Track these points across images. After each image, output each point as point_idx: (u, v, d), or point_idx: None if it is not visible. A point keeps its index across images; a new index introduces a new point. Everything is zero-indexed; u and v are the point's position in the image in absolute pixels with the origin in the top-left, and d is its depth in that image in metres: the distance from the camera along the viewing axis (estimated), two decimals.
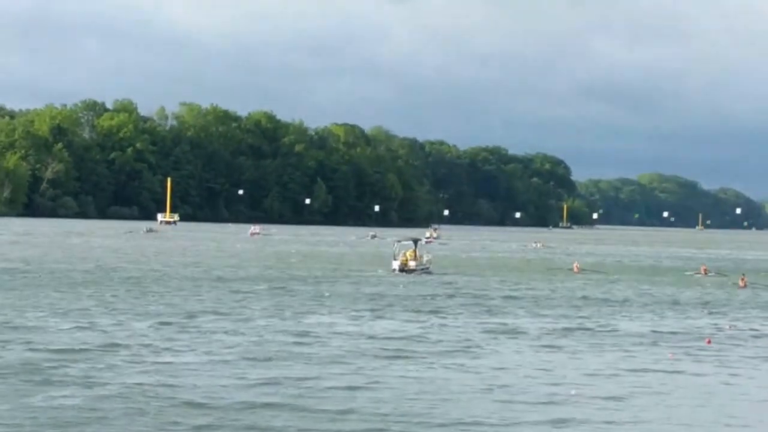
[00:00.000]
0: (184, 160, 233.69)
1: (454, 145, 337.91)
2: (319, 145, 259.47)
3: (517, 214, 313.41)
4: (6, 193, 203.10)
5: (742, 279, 60.93)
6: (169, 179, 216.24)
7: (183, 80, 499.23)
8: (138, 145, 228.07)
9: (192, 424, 18.20)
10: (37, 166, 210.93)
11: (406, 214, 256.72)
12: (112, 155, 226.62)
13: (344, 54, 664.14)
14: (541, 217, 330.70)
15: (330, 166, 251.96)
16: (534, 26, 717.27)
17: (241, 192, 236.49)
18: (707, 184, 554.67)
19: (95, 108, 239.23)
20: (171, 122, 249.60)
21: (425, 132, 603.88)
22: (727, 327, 36.70)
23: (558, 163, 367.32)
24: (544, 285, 56.40)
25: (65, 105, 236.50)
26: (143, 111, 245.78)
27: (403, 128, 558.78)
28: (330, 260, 77.03)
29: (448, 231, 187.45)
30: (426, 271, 62.89)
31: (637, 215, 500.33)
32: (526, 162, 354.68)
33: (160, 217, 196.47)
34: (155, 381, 21.81)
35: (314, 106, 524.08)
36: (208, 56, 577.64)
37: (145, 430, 17.76)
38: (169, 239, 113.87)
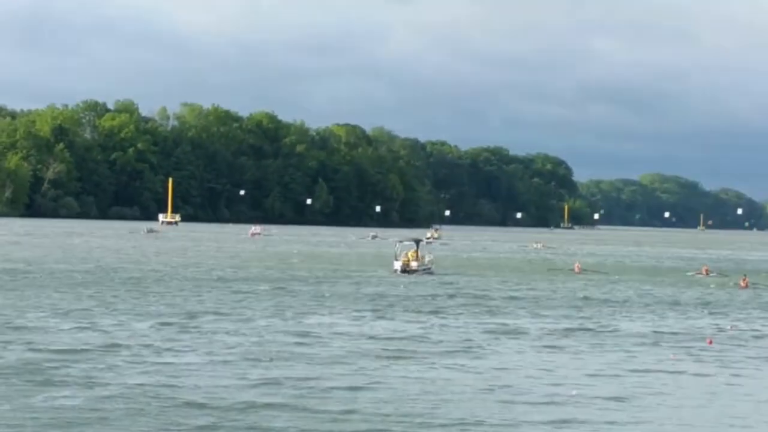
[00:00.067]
0: (185, 160, 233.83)
1: (456, 146, 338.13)
2: (321, 146, 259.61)
3: (519, 215, 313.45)
4: (7, 194, 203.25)
5: (744, 279, 60.91)
6: (170, 179, 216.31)
7: (184, 80, 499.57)
8: (139, 145, 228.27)
9: (193, 425, 18.19)
10: (39, 166, 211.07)
11: (407, 215, 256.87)
12: (114, 155, 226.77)
13: (346, 54, 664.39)
14: (543, 217, 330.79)
15: (331, 167, 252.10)
16: (535, 26, 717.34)
17: (242, 192, 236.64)
18: (708, 185, 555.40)
19: (96, 108, 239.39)
20: (172, 122, 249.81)
21: (426, 132, 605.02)
22: (729, 327, 36.68)
23: (559, 163, 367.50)
24: (546, 285, 56.38)
25: (66, 105, 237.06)
26: (144, 111, 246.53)
27: (404, 129, 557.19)
28: (331, 261, 77.01)
29: (449, 231, 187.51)
30: (428, 271, 62.86)
31: (638, 216, 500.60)
32: (527, 162, 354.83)
33: (161, 217, 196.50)
34: (156, 381, 21.80)
35: (315, 107, 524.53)
36: (209, 56, 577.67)
37: (146, 431, 17.75)
38: (170, 239, 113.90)
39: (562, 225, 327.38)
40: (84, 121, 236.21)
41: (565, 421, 19.39)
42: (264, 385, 21.89)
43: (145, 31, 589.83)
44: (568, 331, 33.83)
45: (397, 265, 62.49)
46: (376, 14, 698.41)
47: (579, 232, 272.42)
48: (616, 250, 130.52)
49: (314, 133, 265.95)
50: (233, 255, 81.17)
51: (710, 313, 42.50)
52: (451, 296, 46.73)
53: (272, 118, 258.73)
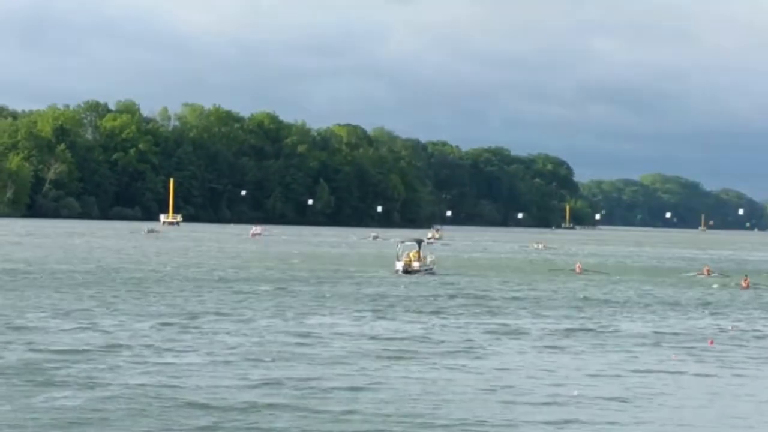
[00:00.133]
0: (186, 160, 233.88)
1: (457, 146, 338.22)
2: (322, 146, 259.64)
3: (520, 215, 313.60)
4: (9, 194, 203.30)
5: (745, 280, 60.87)
6: (171, 180, 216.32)
7: (186, 81, 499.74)
8: (141, 145, 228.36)
9: (194, 425, 18.18)
10: (40, 167, 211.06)
11: (408, 215, 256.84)
12: (115, 156, 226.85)
13: (347, 55, 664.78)
14: (544, 217, 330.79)
15: (332, 167, 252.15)
16: (536, 26, 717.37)
17: (243, 193, 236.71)
18: (709, 185, 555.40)
19: (98, 109, 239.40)
20: (174, 123, 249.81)
21: (428, 133, 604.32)
22: (730, 328, 36.65)
23: (560, 163, 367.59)
24: (547, 286, 56.35)
25: (68, 106, 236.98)
26: (146, 112, 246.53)
27: (405, 129, 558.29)
28: (332, 261, 76.99)
29: (450, 232, 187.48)
30: (430, 272, 62.82)
31: (639, 216, 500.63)
32: (528, 163, 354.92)
33: (162, 217, 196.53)
34: (157, 382, 21.78)
35: (317, 107, 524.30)
36: (210, 57, 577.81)
37: (148, 431, 17.73)
38: (171, 240, 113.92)
39: (563, 225, 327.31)
40: (85, 121, 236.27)
41: (566, 422, 19.38)
42: (265, 385, 21.87)
43: (146, 31, 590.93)
44: (569, 332, 33.81)
45: (399, 265, 62.43)
46: (376, 14, 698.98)
47: (580, 233, 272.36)
48: (617, 250, 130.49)
49: (315, 134, 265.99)
50: (233, 255, 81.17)
51: (711, 314, 42.46)
52: (452, 296, 46.71)
53: (273, 119, 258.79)
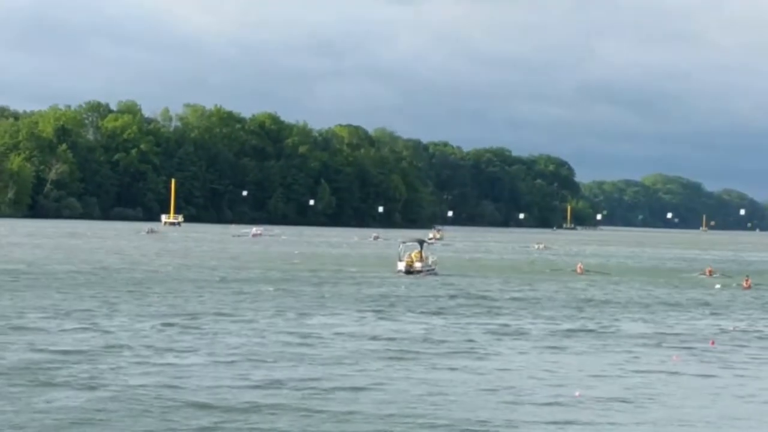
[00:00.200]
0: (188, 161, 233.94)
1: (458, 147, 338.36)
2: (323, 147, 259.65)
3: (521, 216, 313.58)
4: (10, 195, 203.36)
5: (747, 280, 60.88)
6: (173, 180, 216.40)
7: (187, 82, 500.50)
8: (142, 146, 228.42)
9: (195, 425, 18.17)
10: (41, 167, 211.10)
11: (409, 215, 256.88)
12: (116, 156, 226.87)
13: (348, 55, 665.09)
14: (545, 218, 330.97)
15: (334, 168, 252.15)
16: (538, 27, 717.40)
17: (245, 193, 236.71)
18: (711, 186, 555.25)
19: (99, 109, 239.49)
20: (175, 123, 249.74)
21: (429, 133, 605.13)
22: (732, 328, 36.64)
23: (562, 164, 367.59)
24: (548, 286, 56.33)
25: (69, 106, 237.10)
26: (147, 112, 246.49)
27: (406, 129, 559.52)
28: (333, 261, 76.98)
29: (451, 232, 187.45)
30: (431, 272, 62.80)
31: (641, 216, 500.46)
32: (529, 163, 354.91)
33: (164, 218, 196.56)
34: (158, 382, 21.78)
35: (318, 108, 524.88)
36: (212, 58, 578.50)
37: (148, 431, 17.73)
38: (172, 240, 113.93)
39: (564, 226, 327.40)
40: (87, 122, 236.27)
41: (568, 422, 19.36)
42: (266, 385, 21.86)
43: (147, 31, 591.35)
44: (570, 332, 33.80)
45: (401, 265, 62.42)
46: (377, 15, 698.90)
47: (581, 233, 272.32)
48: (619, 250, 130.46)
49: (317, 134, 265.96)
50: (234, 256, 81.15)
51: (713, 314, 42.45)
52: (454, 297, 46.71)
53: (275, 119, 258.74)
